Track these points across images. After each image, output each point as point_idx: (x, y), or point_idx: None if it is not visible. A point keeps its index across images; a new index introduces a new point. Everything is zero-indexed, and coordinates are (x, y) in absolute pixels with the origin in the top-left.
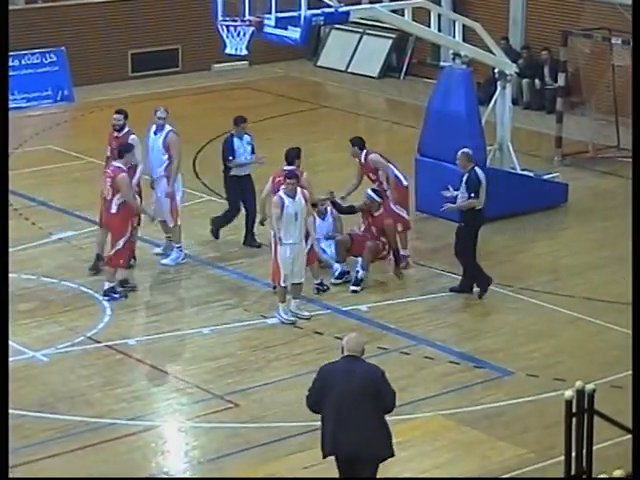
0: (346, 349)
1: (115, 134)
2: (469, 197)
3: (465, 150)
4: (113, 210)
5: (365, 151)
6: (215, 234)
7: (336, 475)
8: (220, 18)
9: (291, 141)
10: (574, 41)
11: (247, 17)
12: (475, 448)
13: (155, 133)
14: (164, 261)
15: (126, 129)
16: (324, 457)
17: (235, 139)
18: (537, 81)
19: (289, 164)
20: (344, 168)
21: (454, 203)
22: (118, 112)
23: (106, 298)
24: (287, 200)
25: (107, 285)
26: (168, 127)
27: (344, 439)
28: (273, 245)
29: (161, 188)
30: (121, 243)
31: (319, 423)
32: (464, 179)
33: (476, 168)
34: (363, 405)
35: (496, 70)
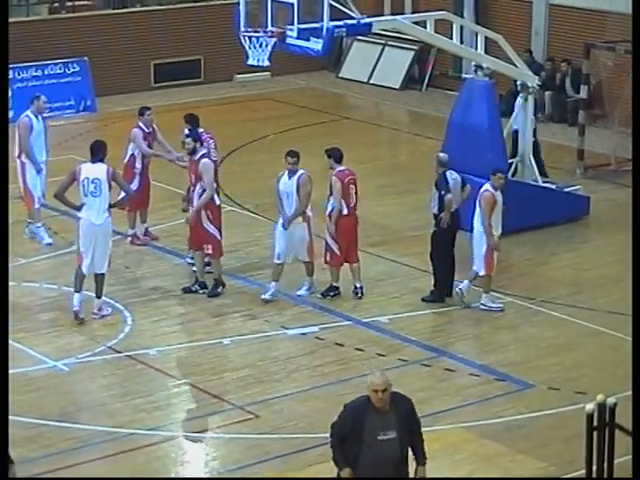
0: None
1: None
2: (440, 196)
3: (440, 154)
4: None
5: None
6: None
7: None
8: (243, 29)
9: (312, 152)
10: (596, 54)
11: (269, 28)
12: (495, 461)
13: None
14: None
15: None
16: None
17: None
18: (556, 94)
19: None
20: (366, 180)
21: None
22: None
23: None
24: None
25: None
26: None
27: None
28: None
29: None
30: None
31: None
32: (433, 182)
33: (447, 172)
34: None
35: (518, 82)
